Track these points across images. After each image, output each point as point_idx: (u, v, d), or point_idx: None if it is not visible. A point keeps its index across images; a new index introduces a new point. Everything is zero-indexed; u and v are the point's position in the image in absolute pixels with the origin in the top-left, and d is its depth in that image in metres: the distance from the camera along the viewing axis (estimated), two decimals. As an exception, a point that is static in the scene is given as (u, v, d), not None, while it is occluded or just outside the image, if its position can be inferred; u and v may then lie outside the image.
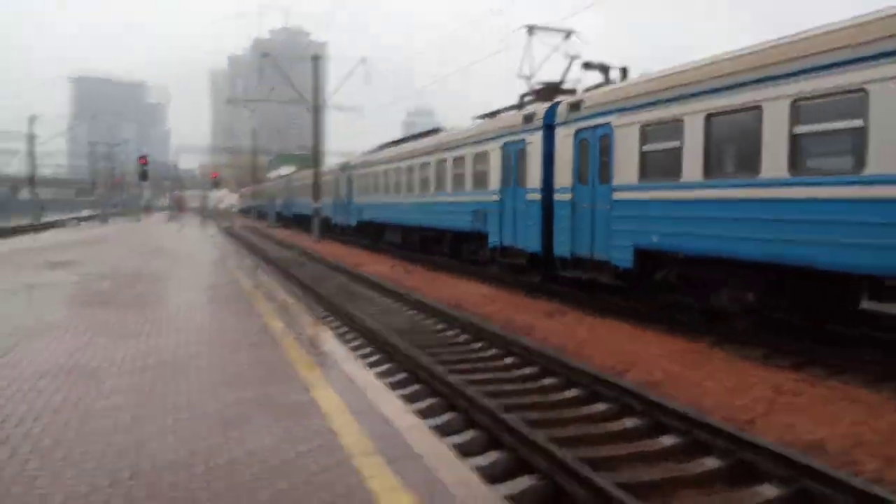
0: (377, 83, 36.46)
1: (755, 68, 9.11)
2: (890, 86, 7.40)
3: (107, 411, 4.82)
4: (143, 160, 52.05)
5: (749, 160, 9.24)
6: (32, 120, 61.35)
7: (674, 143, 10.64)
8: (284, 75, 36.28)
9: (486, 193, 17.21)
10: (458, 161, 19.25)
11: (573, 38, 17.35)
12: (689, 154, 10.31)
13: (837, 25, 8.21)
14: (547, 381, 7.82)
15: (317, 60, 37.13)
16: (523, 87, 17.41)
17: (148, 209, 65.99)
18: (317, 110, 37.18)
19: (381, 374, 7.72)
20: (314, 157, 37.73)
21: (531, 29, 17.55)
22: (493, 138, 17.04)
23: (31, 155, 64.57)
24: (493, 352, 9.33)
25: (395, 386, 7.09)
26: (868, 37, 7.63)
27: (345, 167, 35.19)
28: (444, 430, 5.74)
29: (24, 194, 67.11)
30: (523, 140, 15.48)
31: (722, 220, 9.67)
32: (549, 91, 16.57)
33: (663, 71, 11.62)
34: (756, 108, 9.07)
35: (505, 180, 16.34)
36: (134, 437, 4.32)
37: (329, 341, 7.76)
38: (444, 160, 20.27)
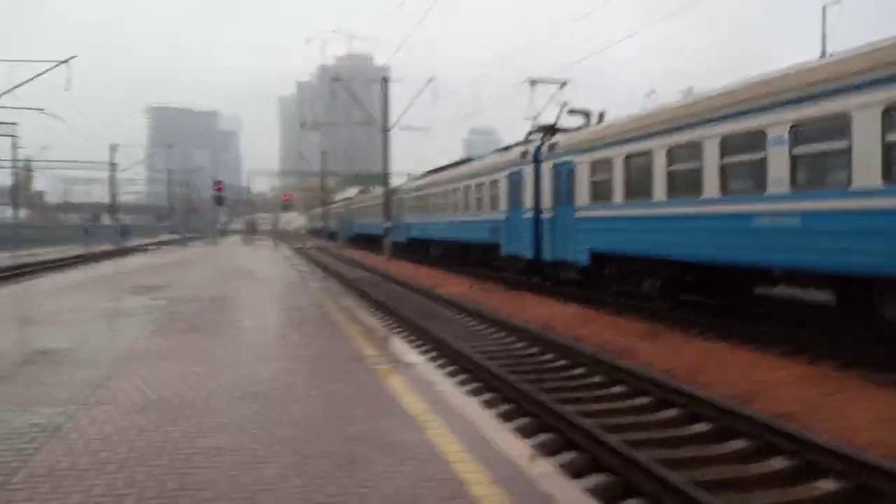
0: (441, 103, 36.44)
1: (650, 125, 13.49)
2: (716, 141, 11.41)
3: (213, 452, 4.44)
4: (219, 186, 53.57)
5: (647, 188, 13.44)
6: (114, 149, 64.02)
7: (607, 176, 15.03)
8: (354, 98, 36.67)
9: (499, 213, 21.66)
10: (479, 187, 23.98)
11: (569, 86, 21.99)
12: (617, 184, 14.67)
13: (686, 103, 13.01)
14: (667, 412, 7.12)
15: (386, 83, 37.35)
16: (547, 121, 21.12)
17: (223, 233, 67.71)
18: (386, 132, 37.31)
19: (485, 403, 7.16)
20: (384, 179, 37.86)
21: (532, 82, 21.94)
22: (502, 169, 21.66)
23: (111, 182, 67.40)
24: (597, 379, 8.67)
25: (504, 418, 6.50)
26: (709, 104, 11.82)
27: (395, 191, 39.34)
28: (571, 473, 5.13)
29: (106, 220, 69.90)
30: (521, 171, 19.81)
31: (637, 231, 13.90)
32: (550, 130, 20.04)
33: (603, 125, 17.32)
34: (649, 153, 13.35)
35: (510, 202, 20.74)
36: (253, 481, 3.91)
37: (424, 367, 7.30)
38: (470, 186, 25.09)
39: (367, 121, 40.96)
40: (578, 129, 18.45)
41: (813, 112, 9.55)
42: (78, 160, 71.19)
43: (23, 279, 19.73)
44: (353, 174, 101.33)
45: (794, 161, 9.84)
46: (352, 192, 77.87)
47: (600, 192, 15.41)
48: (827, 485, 5.18)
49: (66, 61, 31.96)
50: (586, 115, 19.65)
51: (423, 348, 10.90)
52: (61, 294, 14.91)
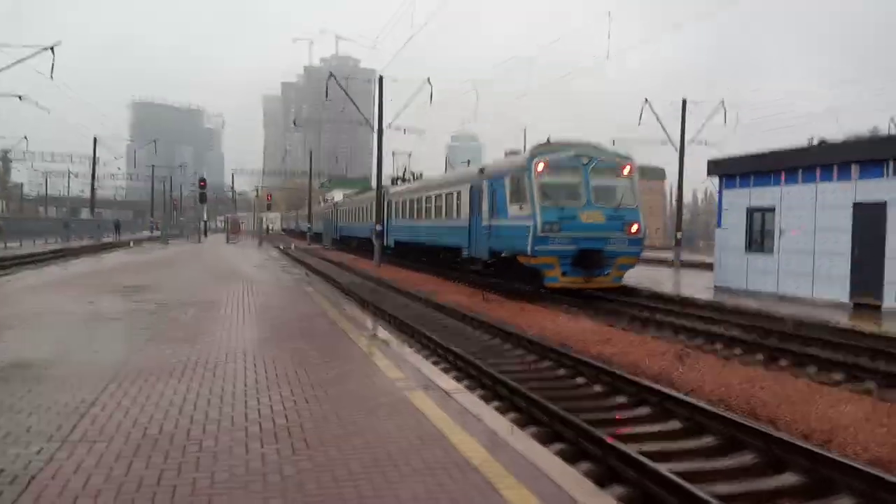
0: (432, 108, 35.67)
1: (403, 191, 34.73)
2: (469, 189, 22.96)
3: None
4: (203, 183, 52.19)
5: (405, 213, 32.66)
6: (96, 142, 62.22)
7: (398, 208, 34.19)
8: (349, 96, 35.55)
9: (371, 223, 36.72)
10: (366, 207, 42.29)
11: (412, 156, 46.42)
12: (400, 211, 33.70)
13: (451, 176, 30.35)
14: (745, 457, 6.18)
15: (381, 82, 36.29)
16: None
17: (205, 231, 66.04)
18: (380, 132, 36.23)
19: (538, 438, 6.19)
20: (378, 179, 36.75)
21: (393, 153, 47.00)
22: (372, 199, 37.67)
23: (93, 176, 65.52)
24: (646, 411, 7.72)
25: (574, 464, 5.51)
26: (461, 178, 25.55)
27: (337, 204, 59.13)
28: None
29: (85, 214, 67.97)
30: (382, 200, 36.15)
31: (405, 231, 32.69)
32: (400, 179, 41.23)
33: (397, 186, 38.03)
34: (406, 200, 32.77)
35: (377, 216, 35.15)
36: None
37: (461, 394, 6.33)
38: (362, 206, 44.38)
39: (361, 121, 39.97)
40: (399, 183, 39.97)
41: (448, 190, 25.75)
42: (58, 152, 69.44)
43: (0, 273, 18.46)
44: (339, 176, 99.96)
45: (445, 206, 26.06)
46: (338, 193, 76.74)
47: (397, 214, 34.13)
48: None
49: (50, 48, 30.67)
50: (413, 174, 41.44)
51: (442, 365, 9.83)
52: (39, 292, 13.73)
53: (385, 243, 34.46)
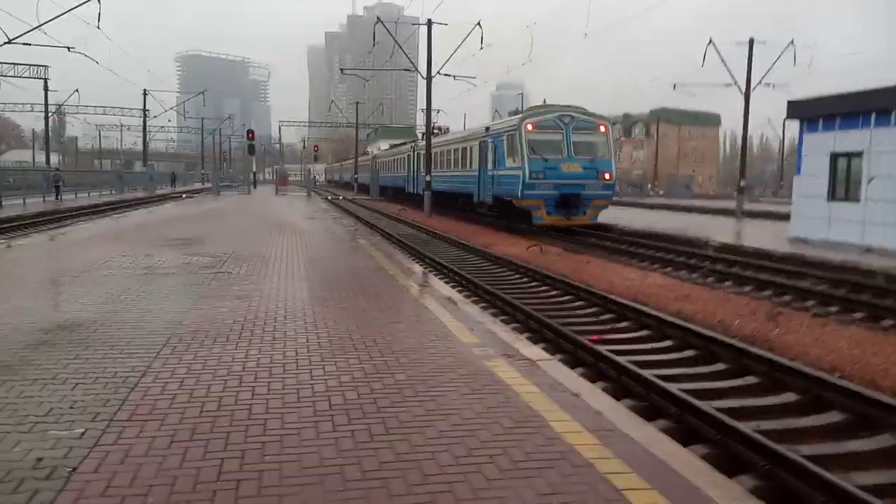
0: (469, 55, 34.28)
1: (441, 143, 35.12)
2: (479, 144, 27.46)
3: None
4: (251, 135, 51.96)
5: (441, 164, 34.22)
6: (146, 94, 62.36)
7: (438, 159, 34.43)
8: (396, 42, 34.32)
9: (406, 173, 43.23)
10: (402, 159, 45.18)
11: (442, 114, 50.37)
12: (439, 162, 34.40)
13: (466, 132, 33.16)
14: (884, 439, 5.34)
15: (430, 26, 34.93)
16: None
17: (255, 182, 66.12)
18: (429, 79, 35.05)
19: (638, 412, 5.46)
20: (427, 128, 35.73)
21: (438, 110, 48.31)
22: (406, 152, 43.99)
23: (144, 129, 65.95)
24: (752, 380, 6.88)
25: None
26: (472, 134, 29.63)
27: (376, 157, 63.02)
28: None
29: (138, 167, 68.76)
30: (412, 154, 41.19)
31: (440, 181, 33.31)
32: (437, 131, 40.20)
33: (443, 138, 36.92)
34: (441, 152, 34.46)
35: (411, 168, 41.08)
36: None
37: (547, 363, 5.62)
38: (398, 158, 47.28)
39: (408, 68, 38.89)
40: (439, 135, 38.65)
41: (463, 145, 30.32)
42: (109, 105, 70.01)
43: (55, 226, 18.40)
44: (384, 126, 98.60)
45: (461, 159, 30.47)
46: (384, 143, 75.94)
47: (440, 164, 34.05)
48: None
49: (96, -4, 30.21)
50: (440, 129, 42.74)
51: (512, 324, 9.13)
52: (92, 246, 13.44)
53: (414, 191, 38.54)
